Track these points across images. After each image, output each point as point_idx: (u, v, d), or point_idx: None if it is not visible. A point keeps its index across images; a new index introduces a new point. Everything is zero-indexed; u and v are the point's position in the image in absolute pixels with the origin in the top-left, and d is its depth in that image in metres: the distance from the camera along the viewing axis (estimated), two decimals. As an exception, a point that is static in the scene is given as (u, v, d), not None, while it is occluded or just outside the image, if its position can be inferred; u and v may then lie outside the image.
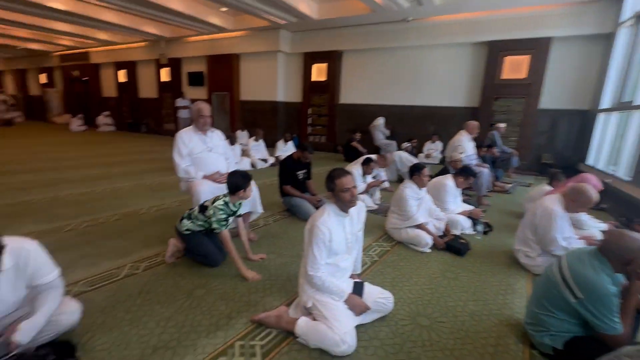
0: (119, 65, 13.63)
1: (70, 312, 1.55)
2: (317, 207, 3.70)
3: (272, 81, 10.19)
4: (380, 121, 8.56)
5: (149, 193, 4.47)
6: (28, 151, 7.48)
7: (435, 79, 8.25)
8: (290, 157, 3.82)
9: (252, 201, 2.98)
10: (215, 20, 8.96)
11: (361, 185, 4.23)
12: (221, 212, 2.35)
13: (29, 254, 1.45)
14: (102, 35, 12.01)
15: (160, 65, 12.28)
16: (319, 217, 1.74)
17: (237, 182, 2.37)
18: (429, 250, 2.99)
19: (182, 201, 4.03)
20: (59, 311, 1.50)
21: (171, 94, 12.23)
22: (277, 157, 7.56)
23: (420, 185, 3.14)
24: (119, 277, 2.24)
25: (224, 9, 8.68)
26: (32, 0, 7.79)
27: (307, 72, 9.77)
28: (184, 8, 8.07)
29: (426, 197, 3.32)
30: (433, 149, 8.20)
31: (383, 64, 8.89)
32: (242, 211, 2.96)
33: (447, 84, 8.12)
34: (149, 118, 13.54)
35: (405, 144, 8.06)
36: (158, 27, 10.70)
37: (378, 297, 1.86)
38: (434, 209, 3.41)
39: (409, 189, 3.13)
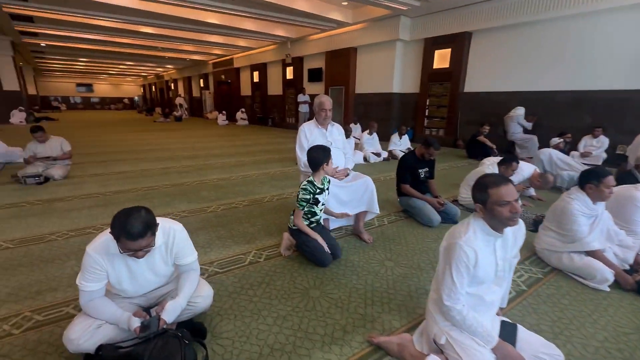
0: (254, 68, 15.61)
1: (205, 296, 1.67)
2: (439, 211, 3.22)
3: (388, 72, 9.74)
4: (519, 111, 7.08)
5: (272, 182, 4.83)
6: (189, 141, 9.33)
7: (601, 55, 6.20)
8: (411, 153, 3.43)
9: (369, 199, 2.77)
10: (335, 15, 9.10)
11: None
12: (304, 192, 2.28)
13: (175, 233, 1.61)
14: (242, 42, 13.91)
15: (285, 65, 13.44)
16: (462, 234, 1.37)
17: (317, 156, 2.26)
18: (607, 289, 2.16)
19: (299, 193, 4.19)
20: (196, 294, 1.63)
21: (293, 90, 13.26)
22: (390, 151, 7.19)
23: (597, 198, 2.29)
24: (245, 263, 2.39)
25: (345, 3, 8.69)
26: (195, 19, 9.57)
27: (427, 60, 8.90)
28: (309, 7, 8.46)
29: (604, 215, 2.41)
30: (595, 146, 6.19)
31: (522, 42, 7.27)
32: (356, 210, 2.80)
33: (624, 59, 5.98)
34: (275, 113, 15.10)
35: (555, 140, 6.34)
36: (285, 29, 11.67)
37: (541, 352, 1.36)
38: (617, 231, 2.46)
39: (578, 202, 2.31)
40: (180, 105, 20.61)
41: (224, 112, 16.15)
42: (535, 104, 7.16)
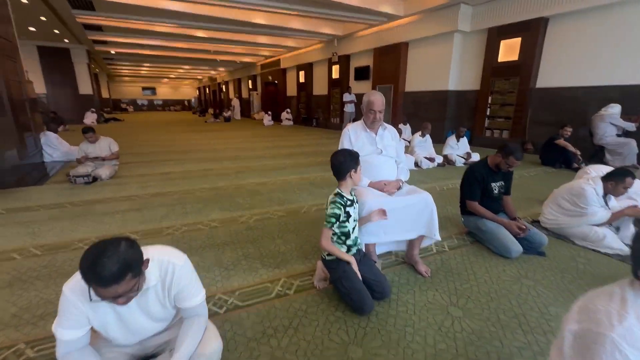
0: (300, 68, 15.48)
1: (210, 354, 1.27)
2: (519, 238, 2.52)
3: (443, 68, 8.81)
4: (613, 109, 5.83)
5: (311, 189, 4.42)
6: (233, 142, 9.37)
7: None
8: (482, 162, 2.74)
9: (428, 221, 2.19)
10: (386, 8, 8.44)
11: (601, 213, 2.65)
12: (334, 206, 1.81)
13: (175, 269, 1.23)
14: (289, 42, 13.83)
15: (331, 63, 13.04)
16: (614, 320, 0.79)
17: (342, 162, 1.85)
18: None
19: (341, 203, 3.71)
20: (199, 351, 1.24)
21: (339, 90, 12.82)
22: (445, 156, 6.38)
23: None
24: (271, 295, 1.97)
25: (397, -8, 8.02)
26: (244, 20, 9.58)
27: (490, 53, 7.84)
28: (358, 2, 7.94)
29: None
30: None
31: (611, 26, 5.99)
32: (412, 236, 2.24)
33: None
34: (319, 113, 14.81)
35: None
36: (332, 26, 11.26)
37: None
38: None
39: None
40: (233, 107, 21.42)
41: (269, 112, 16.29)
42: (636, 99, 5.84)
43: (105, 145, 4.96)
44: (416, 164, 6.03)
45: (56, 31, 11.60)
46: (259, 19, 9.87)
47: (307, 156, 7.06)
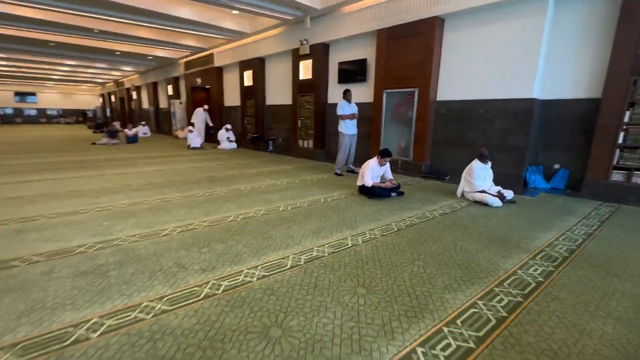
0: (245, 65, 10.62)
1: None
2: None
3: (524, 60, 5.06)
4: None
5: None
6: (105, 201, 4.12)
7: None
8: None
9: None
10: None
11: None
12: None
13: None
14: (229, 23, 8.94)
15: (298, 57, 8.55)
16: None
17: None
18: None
19: None
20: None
21: (313, 96, 8.38)
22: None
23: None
24: None
25: None
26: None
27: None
28: None
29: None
30: None
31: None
32: None
33: None
34: (280, 132, 10.10)
35: None
36: (307, -10, 6.87)
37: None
38: None
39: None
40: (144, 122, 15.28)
41: (191, 125, 10.92)
42: None
43: None
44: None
45: None
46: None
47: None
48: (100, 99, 30.82)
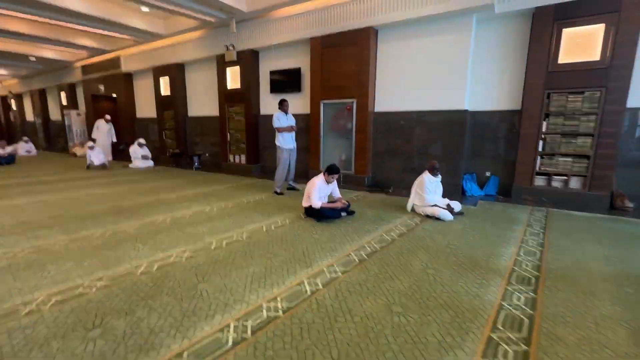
0: (160, 72, 9.28)
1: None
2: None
3: (455, 73, 5.23)
4: None
5: None
6: None
7: None
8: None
9: None
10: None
11: None
12: None
13: None
14: (137, 21, 7.66)
15: (224, 64, 7.72)
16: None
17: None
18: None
19: None
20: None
21: (243, 107, 7.61)
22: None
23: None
24: None
25: None
26: None
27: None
28: None
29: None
30: None
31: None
32: None
33: None
34: (205, 146, 8.97)
35: None
36: (232, -10, 6.19)
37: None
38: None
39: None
40: (26, 140, 12.26)
41: (92, 141, 8.99)
42: None
43: None
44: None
45: None
46: None
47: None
48: (-36, 109, 24.40)
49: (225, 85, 7.86)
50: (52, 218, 3.89)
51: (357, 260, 2.70)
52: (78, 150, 11.69)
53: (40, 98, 14.87)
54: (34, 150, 12.49)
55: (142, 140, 9.12)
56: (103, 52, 10.31)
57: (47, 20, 7.25)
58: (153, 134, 10.20)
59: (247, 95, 7.51)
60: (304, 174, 6.70)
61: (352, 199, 4.88)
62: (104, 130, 9.68)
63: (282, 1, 6.15)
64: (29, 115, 16.45)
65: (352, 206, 4.18)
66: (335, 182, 3.98)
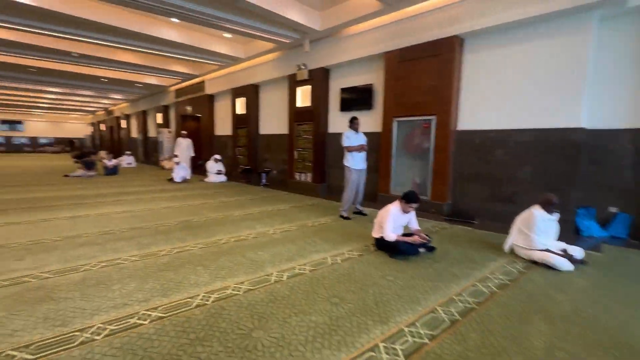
0: (237, 93, 9.89)
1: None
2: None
3: (566, 84, 4.28)
4: None
5: None
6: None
7: None
8: None
9: None
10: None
11: None
12: None
13: None
14: (221, 47, 8.27)
15: (295, 83, 7.81)
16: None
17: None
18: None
19: None
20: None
21: (311, 125, 7.52)
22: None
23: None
24: None
25: None
26: None
27: None
28: None
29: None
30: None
31: None
32: None
33: None
34: (274, 163, 9.14)
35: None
36: (307, 13, 6.23)
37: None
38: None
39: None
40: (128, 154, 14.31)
41: (176, 156, 9.79)
42: None
43: None
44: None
45: None
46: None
47: None
48: (91, 128, 30.07)
49: (295, 104, 7.91)
50: (132, 230, 4.10)
51: (447, 320, 2.10)
52: (166, 164, 13.09)
53: (142, 118, 17.33)
54: (133, 163, 14.45)
55: (218, 156, 9.72)
56: (192, 77, 11.51)
57: (149, 50, 8.29)
58: (228, 151, 10.84)
59: (317, 113, 7.41)
60: (372, 197, 6.20)
61: (429, 230, 4.20)
62: (183, 146, 10.62)
63: (356, 17, 5.94)
64: (134, 133, 19.28)
65: (431, 240, 3.54)
66: (413, 212, 3.41)
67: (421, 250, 3.35)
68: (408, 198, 3.23)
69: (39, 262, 2.95)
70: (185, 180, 9.23)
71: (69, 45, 8.32)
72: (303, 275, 2.76)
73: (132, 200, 6.16)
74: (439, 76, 5.26)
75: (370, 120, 6.49)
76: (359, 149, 4.87)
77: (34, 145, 28.65)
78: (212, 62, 9.47)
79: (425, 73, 5.44)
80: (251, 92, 9.36)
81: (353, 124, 4.93)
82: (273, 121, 9.06)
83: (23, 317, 2.03)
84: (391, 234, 3.22)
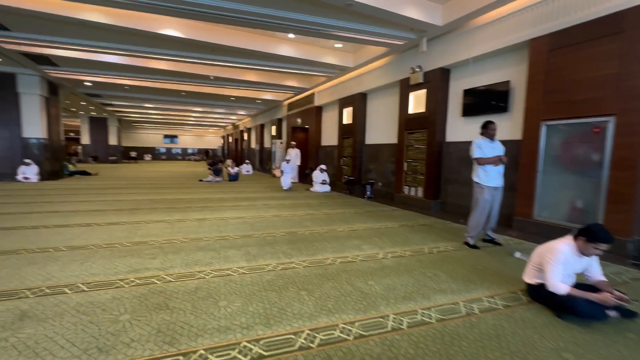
0: (344, 102, 9.81)
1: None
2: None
3: None
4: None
5: None
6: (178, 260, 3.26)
7: None
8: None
9: None
10: None
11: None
12: None
13: None
14: (331, 58, 8.30)
15: (408, 88, 7.13)
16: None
17: None
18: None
19: None
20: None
21: (425, 133, 6.68)
22: None
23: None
24: None
25: None
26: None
27: None
28: None
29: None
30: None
31: None
32: None
33: None
34: (379, 175, 8.61)
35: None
36: (426, 8, 5.55)
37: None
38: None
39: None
40: (247, 161, 16.14)
41: (286, 161, 10.19)
42: None
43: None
44: None
45: None
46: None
47: None
48: (222, 140, 35.85)
49: (407, 111, 7.21)
50: (243, 238, 4.19)
51: None
52: (277, 172, 14.12)
53: (260, 130, 19.38)
54: (251, 171, 16.16)
55: (323, 166, 9.79)
56: (303, 90, 12.11)
57: (268, 68, 9.00)
58: (333, 161, 10.86)
59: (432, 119, 6.53)
60: (505, 221, 4.96)
61: (610, 280, 2.90)
62: (292, 156, 11.12)
63: (488, 3, 4.92)
64: (253, 144, 21.79)
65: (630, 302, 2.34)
66: (596, 257, 2.33)
67: (612, 314, 2.23)
68: (594, 235, 2.18)
69: (167, 263, 3.17)
70: (290, 189, 9.56)
71: (207, 70, 9.79)
72: (429, 326, 2.11)
73: (246, 206, 6.58)
74: (622, 62, 3.78)
75: (505, 126, 5.26)
76: (496, 161, 3.85)
77: (184, 155, 35.85)
78: (322, 74, 9.66)
79: (595, 60, 4.01)
80: (358, 101, 9.11)
81: (487, 129, 3.95)
82: (380, 130, 8.55)
83: (141, 325, 2.05)
84: (561, 285, 2.23)
